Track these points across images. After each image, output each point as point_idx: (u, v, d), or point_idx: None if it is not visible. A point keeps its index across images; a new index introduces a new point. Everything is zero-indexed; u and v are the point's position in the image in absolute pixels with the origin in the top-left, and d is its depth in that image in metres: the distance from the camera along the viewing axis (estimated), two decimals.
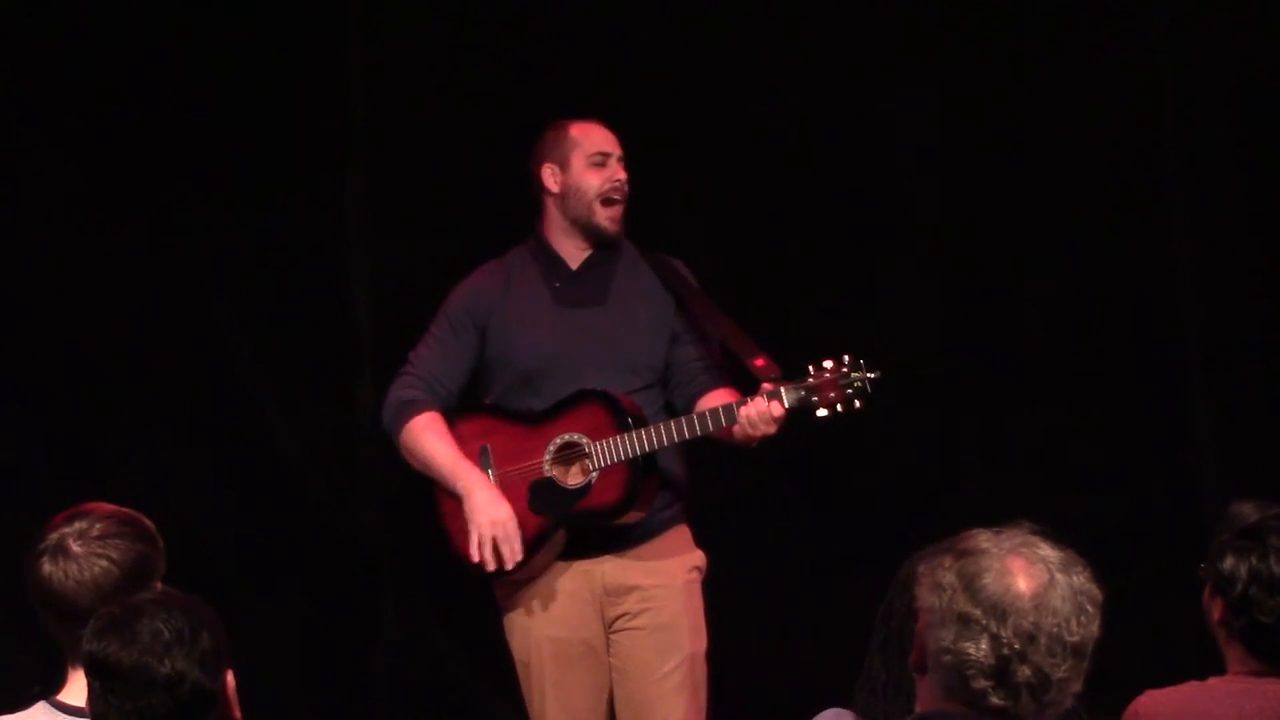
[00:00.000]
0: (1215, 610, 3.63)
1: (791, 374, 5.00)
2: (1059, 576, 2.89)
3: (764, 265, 6.25)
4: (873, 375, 4.99)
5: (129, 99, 6.24)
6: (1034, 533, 2.94)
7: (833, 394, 4.98)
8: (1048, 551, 2.92)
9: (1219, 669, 3.66)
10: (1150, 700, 3.63)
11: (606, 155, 5.20)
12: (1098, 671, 3.79)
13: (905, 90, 6.31)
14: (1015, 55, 6.26)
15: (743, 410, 4.97)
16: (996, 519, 2.99)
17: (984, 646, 2.84)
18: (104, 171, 6.24)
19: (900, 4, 6.30)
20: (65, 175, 6.23)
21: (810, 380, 5.00)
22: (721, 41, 6.34)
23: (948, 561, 2.91)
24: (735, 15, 6.34)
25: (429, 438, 5.16)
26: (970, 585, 2.86)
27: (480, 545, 5.07)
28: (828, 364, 5.00)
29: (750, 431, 4.99)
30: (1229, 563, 3.58)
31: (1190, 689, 3.64)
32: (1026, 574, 2.88)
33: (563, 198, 5.22)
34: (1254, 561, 3.57)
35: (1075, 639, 2.87)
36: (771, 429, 4.99)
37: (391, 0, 6.57)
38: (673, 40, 6.35)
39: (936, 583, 2.89)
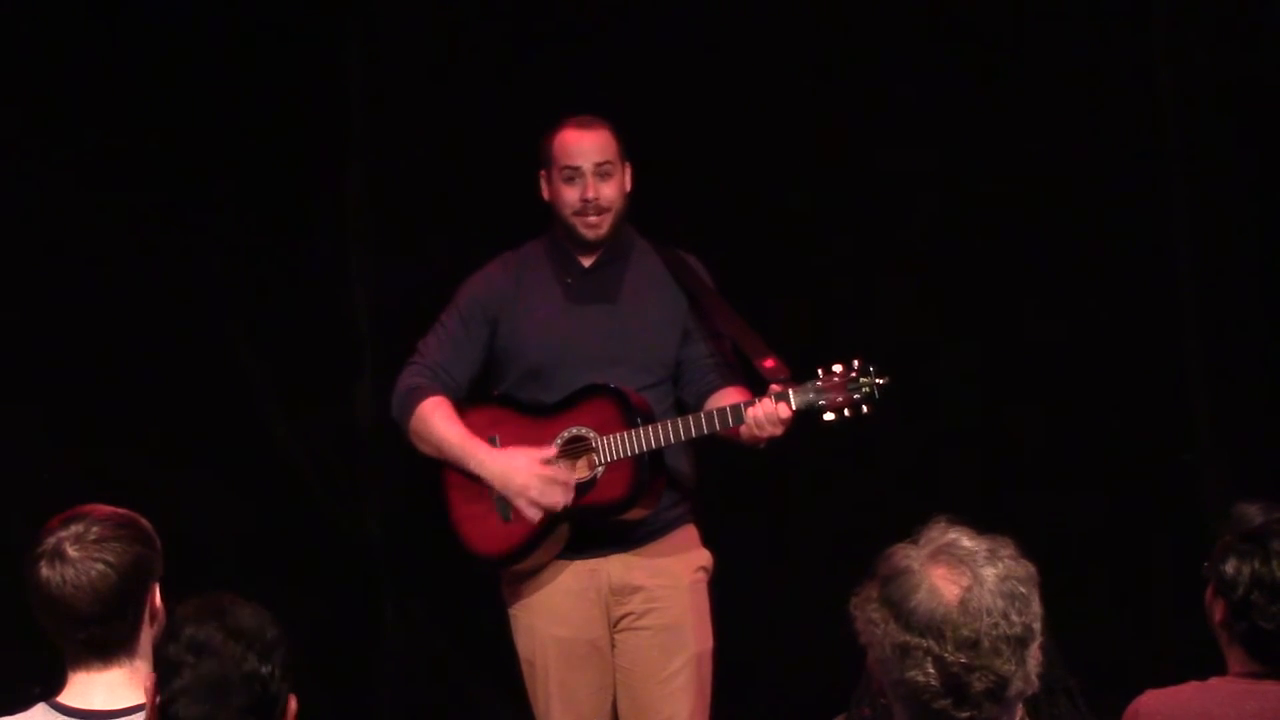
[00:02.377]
0: (1217, 611, 3.62)
1: (800, 376, 5.00)
2: (984, 571, 2.84)
3: (763, 266, 6.24)
4: (881, 381, 5.00)
5: (128, 100, 6.24)
6: (951, 528, 2.90)
7: (840, 398, 4.99)
8: (968, 546, 2.87)
9: (1220, 669, 3.66)
10: (1151, 700, 3.63)
11: (576, 170, 5.19)
12: (1098, 671, 3.80)
13: (905, 90, 6.30)
14: (1015, 55, 6.26)
15: (750, 411, 4.98)
16: (1000, 521, 2.97)
17: (930, 670, 2.81)
18: (102, 173, 6.24)
19: (900, 7, 6.30)
20: (63, 177, 6.23)
21: (819, 383, 5.00)
22: (725, 42, 6.33)
23: (873, 592, 2.87)
24: (737, 17, 6.33)
25: (438, 420, 5.18)
26: (899, 611, 2.83)
27: (530, 506, 5.07)
28: (837, 368, 5.00)
29: (757, 432, 5.00)
30: (1231, 566, 3.57)
31: (1190, 689, 3.63)
32: (951, 581, 2.83)
33: (552, 205, 5.24)
34: (1256, 566, 3.56)
35: (1017, 630, 2.83)
36: (779, 430, 4.99)
37: (393, 1, 6.56)
38: (676, 41, 6.34)
39: (868, 619, 2.86)
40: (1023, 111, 6.25)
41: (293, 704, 3.17)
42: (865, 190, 6.31)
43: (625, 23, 6.37)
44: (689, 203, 6.13)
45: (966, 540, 2.89)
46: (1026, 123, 6.25)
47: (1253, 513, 3.61)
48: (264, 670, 3.09)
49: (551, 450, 5.09)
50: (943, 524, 2.92)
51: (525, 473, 5.08)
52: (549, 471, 5.08)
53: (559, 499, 5.07)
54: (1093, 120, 6.24)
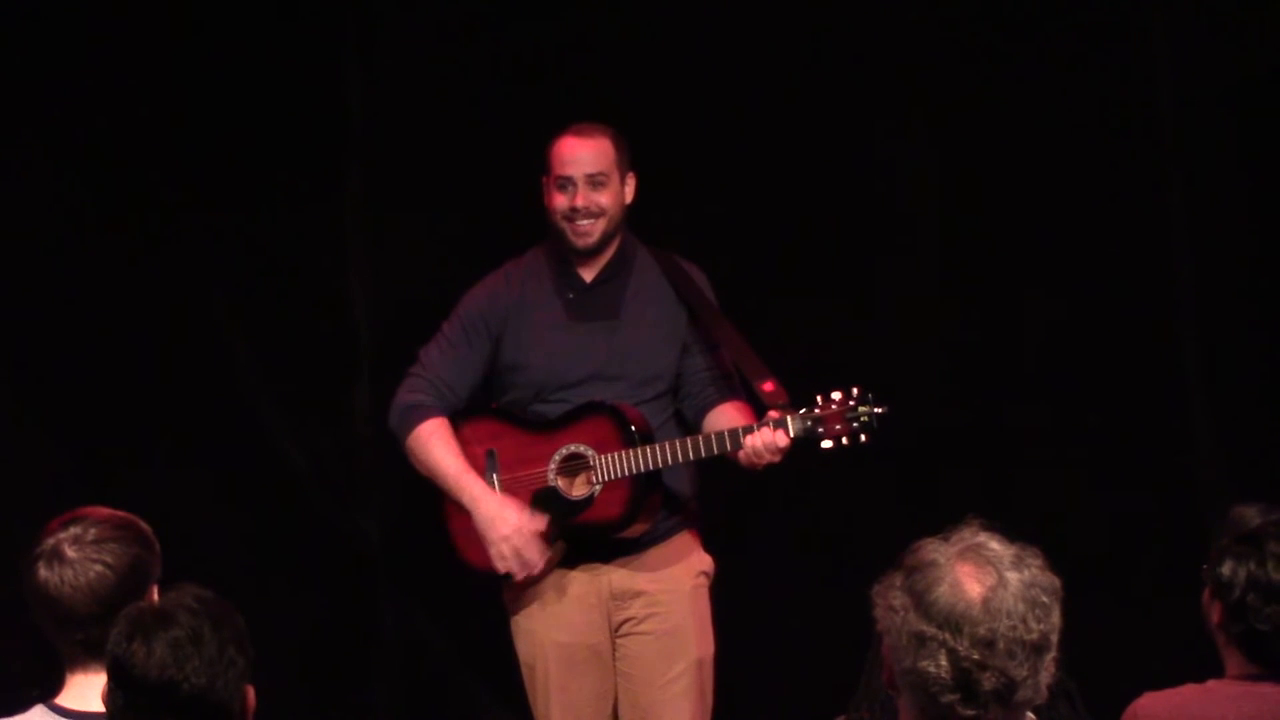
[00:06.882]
0: (1214, 613, 3.62)
1: (798, 402, 5.00)
2: (1009, 575, 2.86)
3: (763, 276, 6.24)
4: (880, 410, 4.99)
5: (127, 102, 6.24)
6: (983, 530, 2.92)
7: (839, 426, 4.98)
8: (997, 549, 2.89)
9: (1218, 671, 3.66)
10: (1149, 702, 3.63)
11: (569, 179, 5.18)
12: (1097, 673, 3.80)
13: (903, 95, 6.30)
14: (1014, 57, 6.26)
15: (748, 440, 4.98)
16: (999, 522, 2.97)
17: (943, 662, 2.82)
18: (101, 175, 6.24)
19: (898, 9, 6.30)
20: (62, 179, 6.23)
21: (817, 411, 5.00)
22: (725, 47, 6.33)
23: (898, 580, 2.89)
24: (739, 19, 6.33)
25: (436, 445, 5.17)
26: (921, 601, 2.84)
27: (501, 559, 5.08)
28: (836, 395, 4.99)
29: (755, 460, 5.00)
30: (1228, 567, 3.57)
31: (1188, 691, 3.64)
32: (975, 579, 2.85)
33: (548, 210, 5.24)
34: (1252, 568, 3.56)
35: (1033, 636, 2.84)
36: (776, 458, 4.99)
37: (391, 2, 6.57)
38: (675, 44, 6.34)
39: (889, 605, 2.87)
40: (1023, 113, 6.25)
41: (250, 696, 3.16)
42: (864, 192, 6.32)
43: (626, 26, 6.36)
44: (689, 209, 6.13)
45: (995, 544, 2.90)
46: (1026, 124, 6.25)
47: (1250, 515, 3.61)
48: (203, 684, 3.06)
49: (543, 523, 5.10)
50: (975, 526, 2.93)
51: (512, 529, 5.09)
52: (533, 542, 5.08)
53: (527, 568, 5.08)
54: (1093, 120, 6.24)
